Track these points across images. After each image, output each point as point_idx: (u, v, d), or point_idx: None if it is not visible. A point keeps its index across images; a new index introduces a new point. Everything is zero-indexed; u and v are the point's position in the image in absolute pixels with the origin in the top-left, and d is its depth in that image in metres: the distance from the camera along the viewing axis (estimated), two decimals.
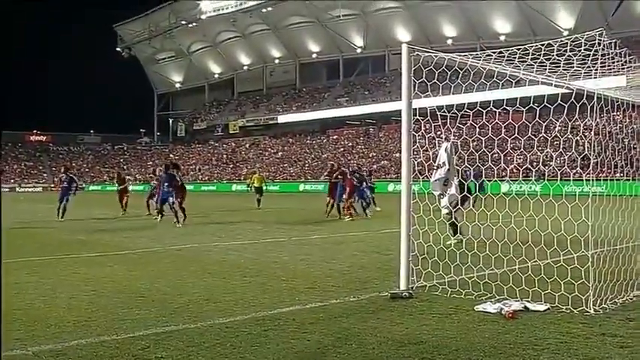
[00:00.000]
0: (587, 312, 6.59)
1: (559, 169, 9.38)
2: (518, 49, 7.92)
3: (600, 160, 7.84)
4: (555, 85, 8.31)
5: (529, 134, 7.88)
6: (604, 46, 7.31)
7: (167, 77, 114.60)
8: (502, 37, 72.75)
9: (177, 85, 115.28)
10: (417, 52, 7.97)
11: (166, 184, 20.14)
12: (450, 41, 77.99)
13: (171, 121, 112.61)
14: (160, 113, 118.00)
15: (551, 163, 8.65)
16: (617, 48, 7.55)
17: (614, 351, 5.29)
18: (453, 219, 10.86)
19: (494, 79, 8.22)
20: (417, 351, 5.38)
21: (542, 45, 7.81)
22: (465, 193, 9.36)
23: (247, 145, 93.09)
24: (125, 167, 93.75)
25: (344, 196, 21.68)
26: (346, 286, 8.44)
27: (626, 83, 9.60)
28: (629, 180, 8.74)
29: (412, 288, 7.80)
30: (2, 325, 5.38)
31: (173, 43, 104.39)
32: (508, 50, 7.98)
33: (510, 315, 6.48)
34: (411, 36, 79.35)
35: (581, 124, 7.89)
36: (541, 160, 8.35)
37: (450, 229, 10.81)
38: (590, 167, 7.58)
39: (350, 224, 19.50)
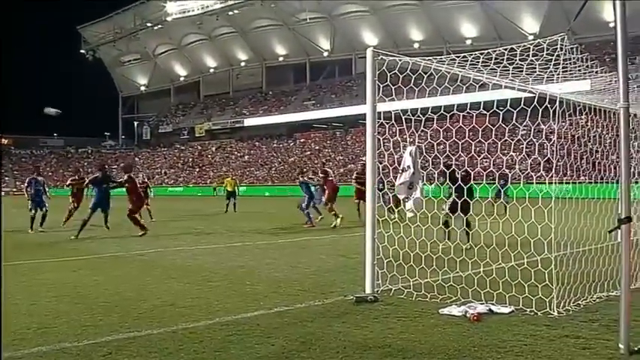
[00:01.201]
0: (551, 314, 6.67)
1: (522, 173, 9.50)
2: (482, 54, 8.01)
3: (564, 163, 7.95)
4: (518, 89, 8.42)
5: (492, 138, 7.97)
6: (566, 50, 7.43)
7: (132, 80, 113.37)
8: (468, 42, 73.55)
9: (143, 88, 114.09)
10: (381, 56, 8.02)
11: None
12: (416, 45, 78.58)
13: (136, 124, 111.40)
14: (125, 116, 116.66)
15: (515, 167, 8.72)
16: (579, 53, 7.67)
17: (578, 352, 5.37)
18: (444, 223, 11.00)
19: (458, 83, 8.28)
20: (382, 354, 5.39)
21: (506, 49, 7.90)
22: (454, 198, 9.39)
23: (214, 149, 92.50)
24: (89, 171, 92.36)
25: (323, 199, 20.77)
26: (311, 290, 8.43)
27: (590, 87, 9.75)
28: (592, 183, 8.89)
29: (377, 291, 7.82)
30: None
31: (138, 45, 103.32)
32: (472, 54, 8.06)
33: (475, 318, 6.53)
34: (378, 40, 79.75)
35: (545, 128, 7.98)
36: (504, 164, 8.39)
37: (442, 232, 10.86)
38: (553, 170, 7.68)
39: (315, 228, 19.44)
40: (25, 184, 20.19)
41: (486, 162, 8.36)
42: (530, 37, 61.37)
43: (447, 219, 11.13)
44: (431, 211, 8.12)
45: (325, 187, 20.92)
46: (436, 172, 9.32)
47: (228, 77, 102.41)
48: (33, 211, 19.37)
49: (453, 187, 9.04)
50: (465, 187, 8.69)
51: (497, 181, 19.14)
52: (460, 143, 8.42)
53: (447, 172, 9.02)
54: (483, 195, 8.67)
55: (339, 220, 19.56)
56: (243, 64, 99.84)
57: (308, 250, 13.47)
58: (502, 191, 21.37)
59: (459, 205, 8.55)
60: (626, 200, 5.64)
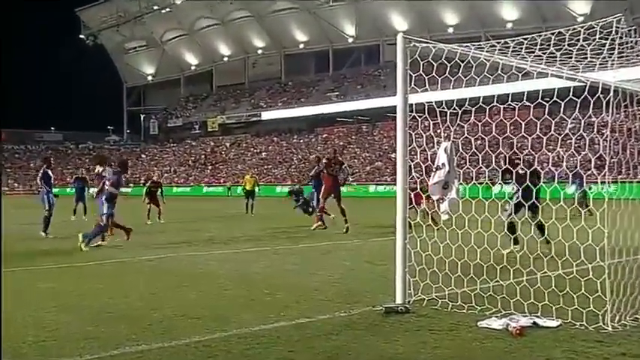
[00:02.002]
0: (605, 329, 6.58)
1: (571, 171, 9.42)
2: (526, 39, 7.94)
3: (618, 160, 7.85)
4: (567, 78, 8.34)
5: (537, 132, 7.90)
6: (622, 34, 7.34)
7: (138, 69, 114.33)
8: (509, 25, 73.17)
9: (150, 78, 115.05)
10: (413, 43, 8.00)
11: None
12: (451, 30, 78.35)
13: (142, 118, 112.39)
14: (130, 109, 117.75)
15: (562, 164, 8.64)
16: (638, 35, 7.58)
17: None
18: (508, 225, 10.91)
19: (499, 72, 8.23)
20: None
21: (553, 34, 7.84)
22: (521, 200, 9.29)
23: (228, 145, 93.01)
24: (89, 168, 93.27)
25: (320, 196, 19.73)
26: (336, 299, 8.43)
27: None
28: None
29: (409, 302, 7.79)
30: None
31: (144, 30, 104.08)
32: (514, 40, 8.01)
33: (518, 332, 6.48)
34: (408, 24, 79.62)
35: (596, 121, 7.90)
36: (551, 161, 8.31)
37: (508, 236, 10.79)
38: (606, 169, 7.60)
39: (338, 231, 19.43)
40: (40, 177, 19.20)
41: (530, 159, 8.28)
42: (580, 19, 60.86)
43: (512, 221, 10.92)
44: (468, 213, 8.08)
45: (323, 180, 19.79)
46: (500, 170, 9.23)
47: (244, 66, 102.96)
48: (48, 210, 18.48)
49: (520, 188, 8.97)
50: (535, 188, 8.54)
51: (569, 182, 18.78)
52: (501, 139, 8.37)
53: (513, 170, 8.96)
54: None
55: (320, 227, 19.27)
56: (259, 51, 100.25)
57: (330, 256, 13.48)
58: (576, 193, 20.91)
59: (526, 207, 8.40)
60: None
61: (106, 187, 15.98)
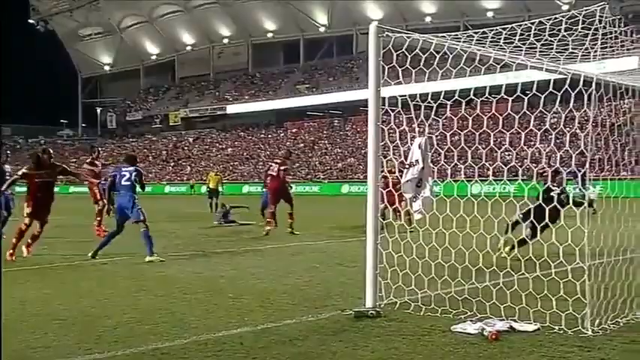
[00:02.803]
0: (584, 333, 6.67)
1: (551, 168, 9.53)
2: (505, 29, 8.02)
3: (601, 156, 7.95)
4: (547, 70, 8.41)
5: (516, 127, 7.99)
6: (606, 23, 7.44)
7: (94, 58, 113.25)
8: (490, 14, 73.68)
9: (107, 68, 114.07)
10: (386, 33, 8.03)
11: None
12: (428, 19, 78.72)
13: (99, 111, 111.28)
14: (85, 101, 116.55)
15: (542, 161, 8.73)
16: (623, 25, 7.67)
17: None
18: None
19: (477, 63, 8.29)
20: None
21: (533, 23, 7.92)
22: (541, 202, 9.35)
23: (191, 140, 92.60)
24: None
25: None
26: (303, 303, 8.46)
27: (638, 65, 9.73)
28: (635, 179, 8.86)
29: (380, 305, 7.84)
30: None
31: (100, 16, 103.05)
32: (493, 30, 8.07)
33: (494, 336, 6.55)
34: (383, 13, 79.86)
35: (578, 115, 7.98)
36: (529, 157, 8.35)
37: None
38: (587, 165, 7.69)
39: (308, 232, 19.44)
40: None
41: (509, 155, 8.35)
42: (565, 7, 61.38)
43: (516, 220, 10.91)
44: (442, 212, 8.13)
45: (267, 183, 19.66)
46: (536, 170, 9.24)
47: (209, 56, 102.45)
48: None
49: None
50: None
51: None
52: (477, 134, 8.42)
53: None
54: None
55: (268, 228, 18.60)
56: (225, 41, 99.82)
57: (299, 258, 13.51)
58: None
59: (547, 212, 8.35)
60: None
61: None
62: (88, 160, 19.98)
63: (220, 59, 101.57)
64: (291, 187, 20.68)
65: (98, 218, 18.26)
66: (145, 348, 6.37)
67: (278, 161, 19.53)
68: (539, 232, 9.91)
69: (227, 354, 6.16)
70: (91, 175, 19.11)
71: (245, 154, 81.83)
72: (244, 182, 70.26)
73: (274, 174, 19.12)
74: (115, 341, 6.65)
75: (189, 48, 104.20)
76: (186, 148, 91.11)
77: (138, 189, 13.48)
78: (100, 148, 22.50)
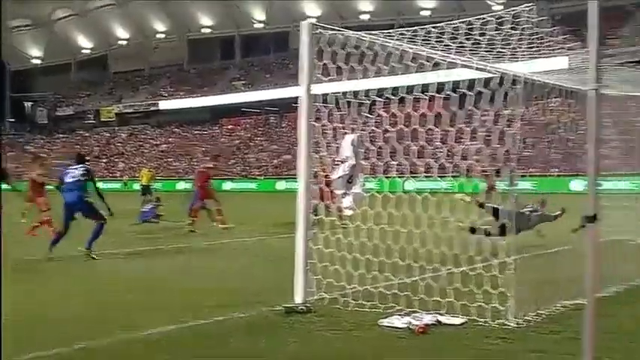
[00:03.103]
0: (508, 325, 6.86)
1: (479, 164, 9.68)
2: (436, 27, 8.15)
3: (528, 154, 8.14)
4: (477, 69, 8.56)
5: (446, 125, 8.10)
6: (533, 24, 7.62)
7: (23, 51, 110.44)
8: (426, 13, 74.49)
9: (37, 61, 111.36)
10: (319, 30, 8.09)
11: None
12: (366, 16, 79.19)
13: (28, 105, 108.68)
14: (13, 95, 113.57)
15: (473, 158, 8.87)
16: (551, 26, 7.85)
17: None
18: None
19: (409, 61, 8.37)
20: None
21: (463, 22, 8.06)
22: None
23: (124, 136, 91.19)
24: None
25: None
26: (234, 300, 8.43)
27: (569, 65, 9.94)
28: (563, 175, 9.10)
29: (310, 301, 7.88)
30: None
31: (29, 8, 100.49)
32: (424, 28, 8.19)
33: (421, 330, 6.67)
34: (321, 10, 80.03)
35: (507, 114, 8.15)
36: (460, 155, 8.51)
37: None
38: (514, 163, 7.86)
39: (241, 229, 19.39)
40: None
41: (440, 152, 8.48)
42: (496, 8, 62.43)
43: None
44: (374, 209, 8.22)
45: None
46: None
47: (143, 51, 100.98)
48: None
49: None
50: None
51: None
52: (409, 131, 8.51)
53: None
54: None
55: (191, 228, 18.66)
56: (161, 35, 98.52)
57: (231, 255, 13.50)
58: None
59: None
60: (593, 195, 5.84)
61: None
62: (37, 172, 18.21)
63: (155, 54, 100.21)
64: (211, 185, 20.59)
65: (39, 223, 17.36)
66: (71, 348, 6.26)
67: (207, 160, 19.79)
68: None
69: (153, 352, 6.12)
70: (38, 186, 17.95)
71: (179, 150, 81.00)
72: (179, 179, 69.55)
73: (202, 171, 19.90)
74: (41, 341, 6.53)
75: (123, 42, 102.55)
76: (119, 144, 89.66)
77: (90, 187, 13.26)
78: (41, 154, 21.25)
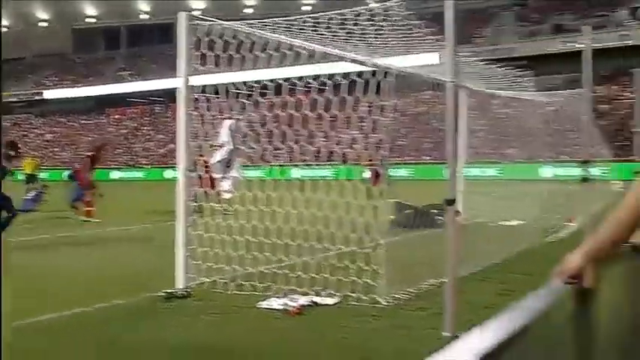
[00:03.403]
0: (379, 303, 6.97)
1: (348, 153, 9.78)
2: (311, 18, 8.17)
3: (401, 142, 8.30)
4: (352, 61, 8.64)
5: (316, 113, 8.13)
6: (402, 18, 7.75)
7: None
8: (307, 7, 74.84)
9: None
10: (197, 21, 8.02)
11: None
12: (250, 10, 78.81)
13: None
14: None
15: (341, 147, 8.95)
16: (424, 23, 8.01)
17: (404, 342, 5.69)
18: None
19: (286, 51, 8.35)
20: (191, 357, 5.41)
21: (336, 14, 8.11)
22: None
23: (8, 125, 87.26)
24: None
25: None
26: (116, 287, 8.19)
27: (440, 61, 10.19)
28: (436, 163, 9.34)
29: (190, 286, 7.78)
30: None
31: None
32: (301, 19, 8.20)
33: (297, 311, 6.71)
34: (205, 3, 79.07)
35: (379, 104, 8.26)
36: (341, 143, 8.61)
37: None
38: (387, 151, 7.99)
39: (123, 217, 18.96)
40: None
41: (322, 141, 8.54)
42: (373, 5, 63.46)
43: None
44: (251, 190, 8.19)
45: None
46: None
47: (26, 39, 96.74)
48: None
49: None
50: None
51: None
52: (286, 116, 8.50)
53: None
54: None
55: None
56: (44, 24, 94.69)
57: (115, 243, 13.17)
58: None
59: None
60: (453, 180, 6.05)
61: None
62: None
63: (38, 43, 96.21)
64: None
65: None
66: None
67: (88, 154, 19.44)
68: None
69: (32, 340, 5.88)
70: None
71: (65, 140, 78.33)
72: (65, 168, 67.19)
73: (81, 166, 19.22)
74: None
75: (4, 29, 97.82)
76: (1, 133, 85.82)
77: None
78: None
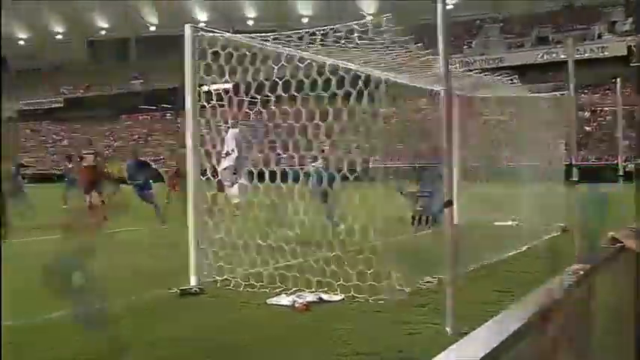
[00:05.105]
0: (383, 299, 6.88)
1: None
2: (307, 32, 8.10)
3: (398, 148, 8.23)
4: (346, 71, 8.57)
5: (316, 121, 8.05)
6: (392, 32, 7.68)
7: None
8: (305, 20, 74.71)
9: None
10: (201, 33, 7.98)
11: None
12: (251, 22, 78.69)
13: None
14: None
15: (336, 153, 8.87)
16: (408, 37, 7.93)
17: (406, 337, 5.64)
18: None
19: (283, 62, 8.30)
20: (204, 348, 5.39)
21: (332, 29, 8.05)
22: None
23: (28, 132, 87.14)
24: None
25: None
26: (132, 283, 8.10)
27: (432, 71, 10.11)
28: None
29: (203, 283, 7.74)
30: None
31: None
32: (298, 33, 8.13)
33: (304, 307, 6.66)
34: (208, 15, 78.99)
35: (372, 111, 8.19)
36: (327, 151, 8.53)
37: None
38: (383, 154, 7.93)
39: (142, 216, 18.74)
40: None
41: (325, 146, 8.47)
42: (369, 18, 63.27)
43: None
44: (258, 198, 8.13)
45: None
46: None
47: (44, 50, 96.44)
48: None
49: None
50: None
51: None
52: (284, 127, 8.41)
53: None
54: None
55: None
56: (59, 37, 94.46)
57: (132, 241, 13.04)
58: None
59: None
60: (449, 183, 6.01)
61: None
62: None
63: (55, 54, 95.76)
64: None
65: None
66: None
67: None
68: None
69: (49, 336, 5.79)
70: None
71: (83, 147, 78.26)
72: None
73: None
74: None
75: (22, 42, 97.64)
76: (22, 139, 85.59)
77: None
78: None
